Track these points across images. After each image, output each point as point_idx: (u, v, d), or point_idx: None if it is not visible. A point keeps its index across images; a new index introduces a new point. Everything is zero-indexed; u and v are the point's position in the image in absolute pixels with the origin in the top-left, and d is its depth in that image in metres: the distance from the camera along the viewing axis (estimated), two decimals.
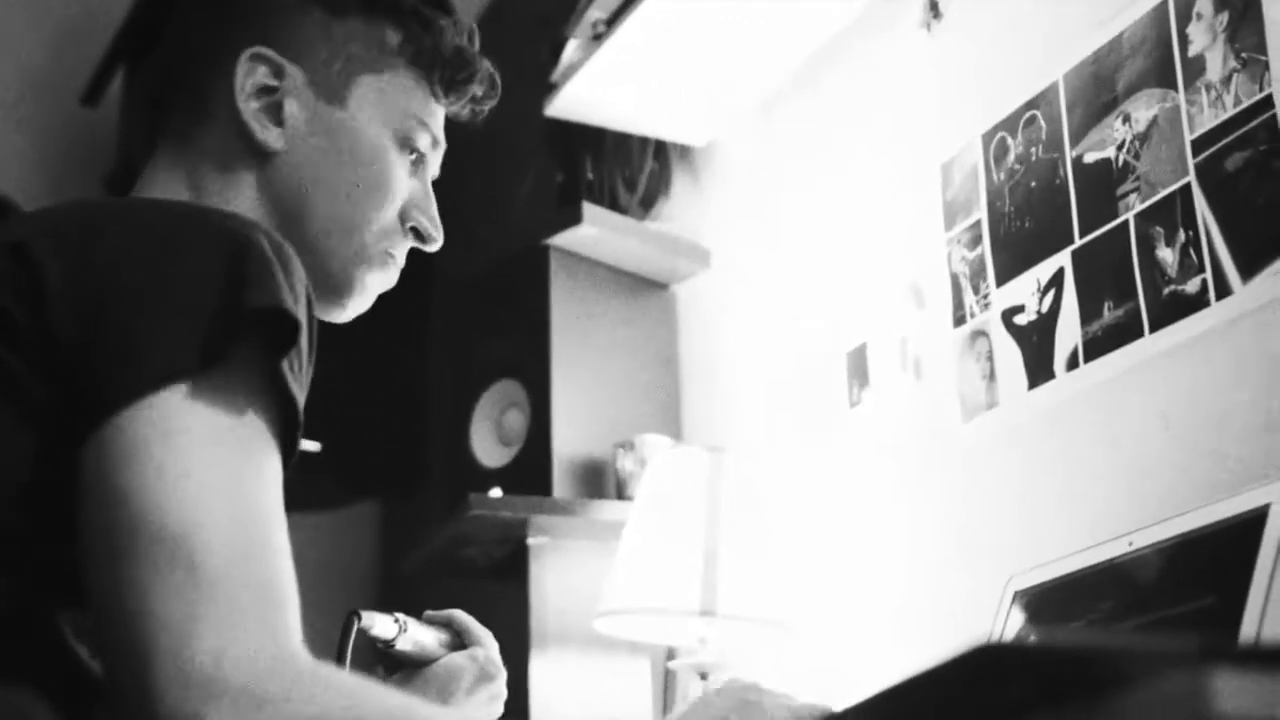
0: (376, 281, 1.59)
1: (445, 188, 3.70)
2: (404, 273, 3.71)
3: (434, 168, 1.66)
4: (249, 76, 1.49)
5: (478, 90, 1.68)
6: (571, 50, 2.94)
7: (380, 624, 1.69)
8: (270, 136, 1.50)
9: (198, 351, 1.16)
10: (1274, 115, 1.92)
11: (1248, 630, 1.54)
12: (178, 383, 1.15)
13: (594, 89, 2.96)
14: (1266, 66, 1.94)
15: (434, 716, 1.42)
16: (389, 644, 1.70)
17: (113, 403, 1.14)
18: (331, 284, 1.54)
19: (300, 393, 1.24)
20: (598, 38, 2.85)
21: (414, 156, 1.61)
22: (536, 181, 3.33)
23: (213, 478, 1.16)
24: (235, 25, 1.53)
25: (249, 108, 1.49)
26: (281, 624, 1.13)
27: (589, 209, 3.05)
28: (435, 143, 1.64)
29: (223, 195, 1.49)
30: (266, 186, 1.51)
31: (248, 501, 1.18)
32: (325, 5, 1.55)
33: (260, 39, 1.50)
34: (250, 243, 1.22)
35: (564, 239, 3.07)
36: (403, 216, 1.59)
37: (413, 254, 3.66)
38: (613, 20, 2.80)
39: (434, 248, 1.65)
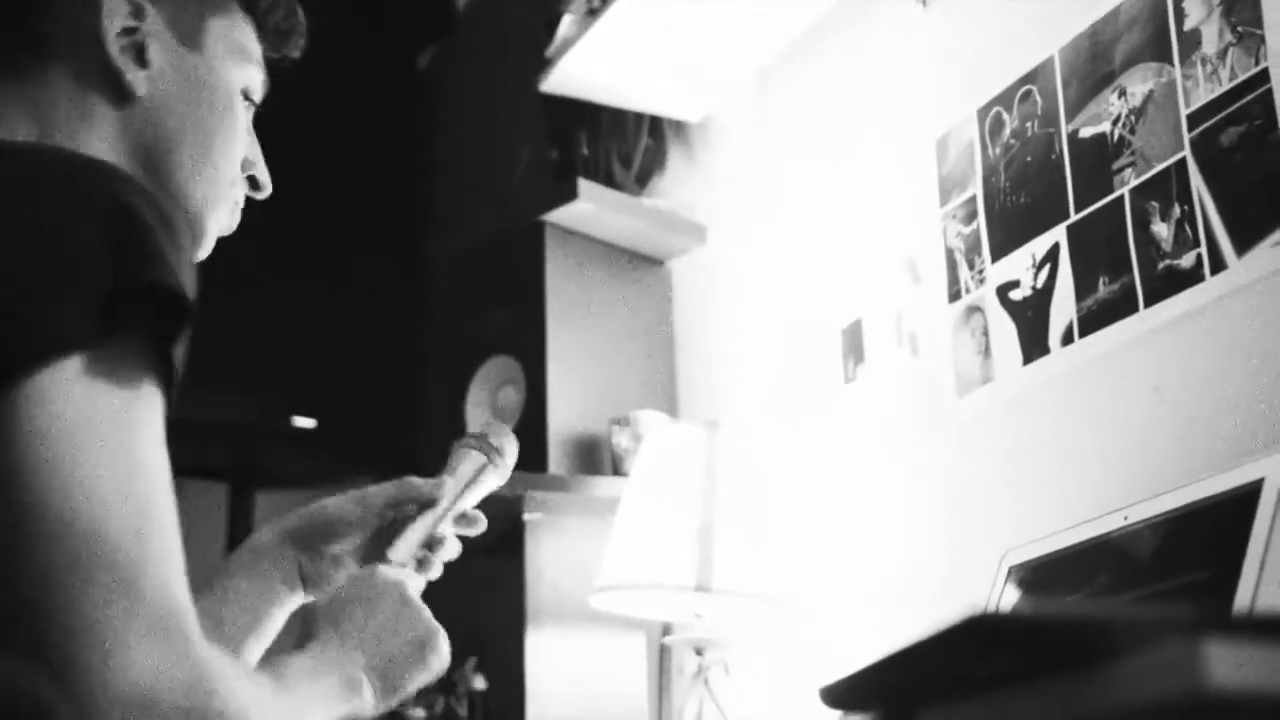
0: (223, 227, 1.57)
1: (442, 165, 3.71)
2: (400, 248, 3.73)
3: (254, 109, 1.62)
4: (114, 13, 1.43)
5: (300, 39, 1.65)
6: (566, 25, 2.94)
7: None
8: (137, 79, 1.45)
9: (87, 328, 1.12)
10: (1269, 90, 1.92)
11: (1242, 602, 1.54)
12: (69, 358, 1.11)
13: (589, 65, 2.97)
14: (1262, 40, 1.94)
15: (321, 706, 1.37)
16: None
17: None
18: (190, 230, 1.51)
19: (182, 363, 1.21)
20: (593, 12, 2.85)
21: (250, 105, 1.59)
22: (532, 158, 3.33)
23: (115, 469, 1.12)
24: None
25: (116, 47, 1.43)
26: (195, 627, 1.10)
27: (584, 185, 3.05)
28: (261, 90, 1.62)
29: (75, 138, 1.43)
30: (126, 131, 1.46)
31: (151, 493, 1.14)
32: None
33: None
34: (133, 211, 1.18)
35: (559, 215, 3.08)
36: (242, 165, 1.58)
37: (409, 229, 3.69)
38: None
39: (264, 196, 1.63)
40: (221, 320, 3.49)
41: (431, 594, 3.24)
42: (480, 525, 1.75)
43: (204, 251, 1.55)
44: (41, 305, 1.13)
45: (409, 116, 3.90)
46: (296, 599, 1.68)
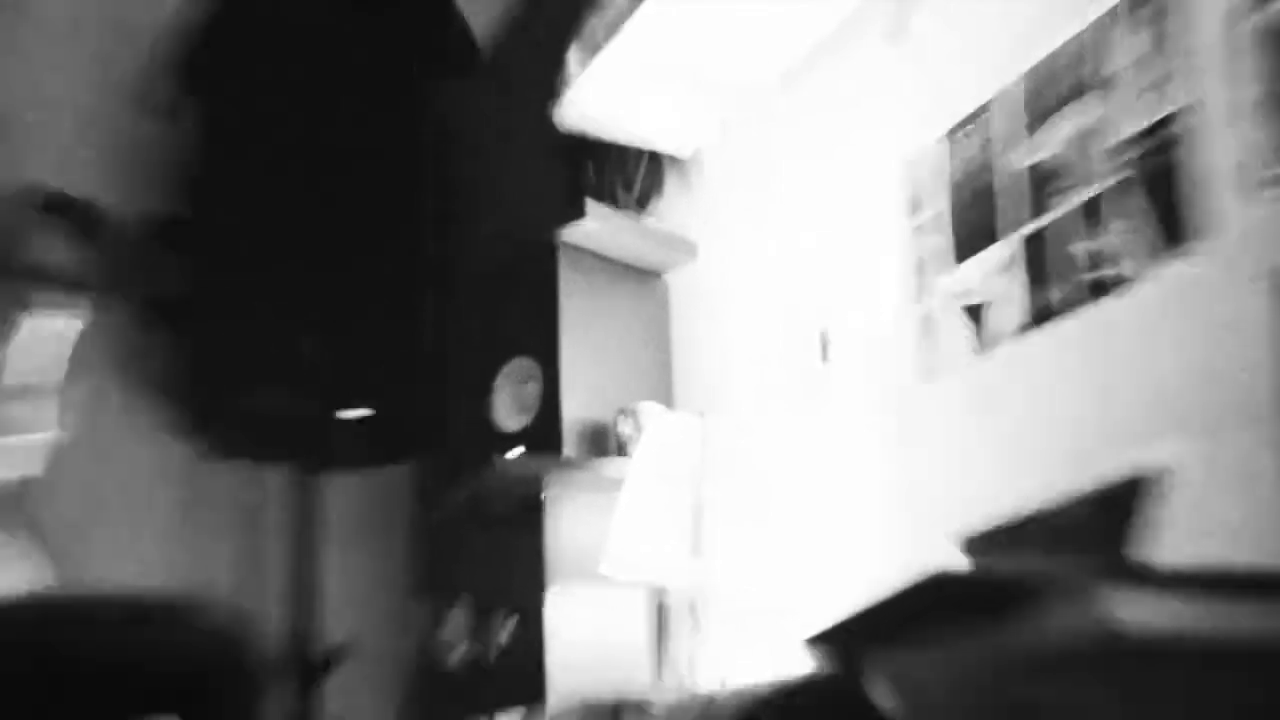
0: None
1: (473, 187, 3.68)
2: (428, 263, 3.70)
3: None
4: None
5: None
6: (575, 64, 2.95)
7: None
8: None
9: None
10: (1181, 127, 1.92)
11: (1141, 559, 1.55)
12: None
13: (593, 100, 2.97)
14: (1177, 83, 1.94)
15: None
16: None
17: None
18: None
19: None
20: (598, 52, 2.86)
21: None
22: (547, 181, 3.35)
23: None
24: None
25: None
26: None
27: (592, 206, 3.06)
28: None
29: None
30: None
31: None
32: None
33: None
34: None
35: (571, 233, 3.08)
36: None
37: (434, 244, 3.63)
38: (609, 37, 2.81)
39: None
40: (294, 331, 3.52)
41: (470, 561, 3.26)
42: None
43: None
44: None
45: (439, 144, 3.90)
46: None
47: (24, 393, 1.62)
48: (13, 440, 1.56)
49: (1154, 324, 1.94)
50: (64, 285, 4.00)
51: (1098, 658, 0.66)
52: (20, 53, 4.11)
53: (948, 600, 0.71)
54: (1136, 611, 0.65)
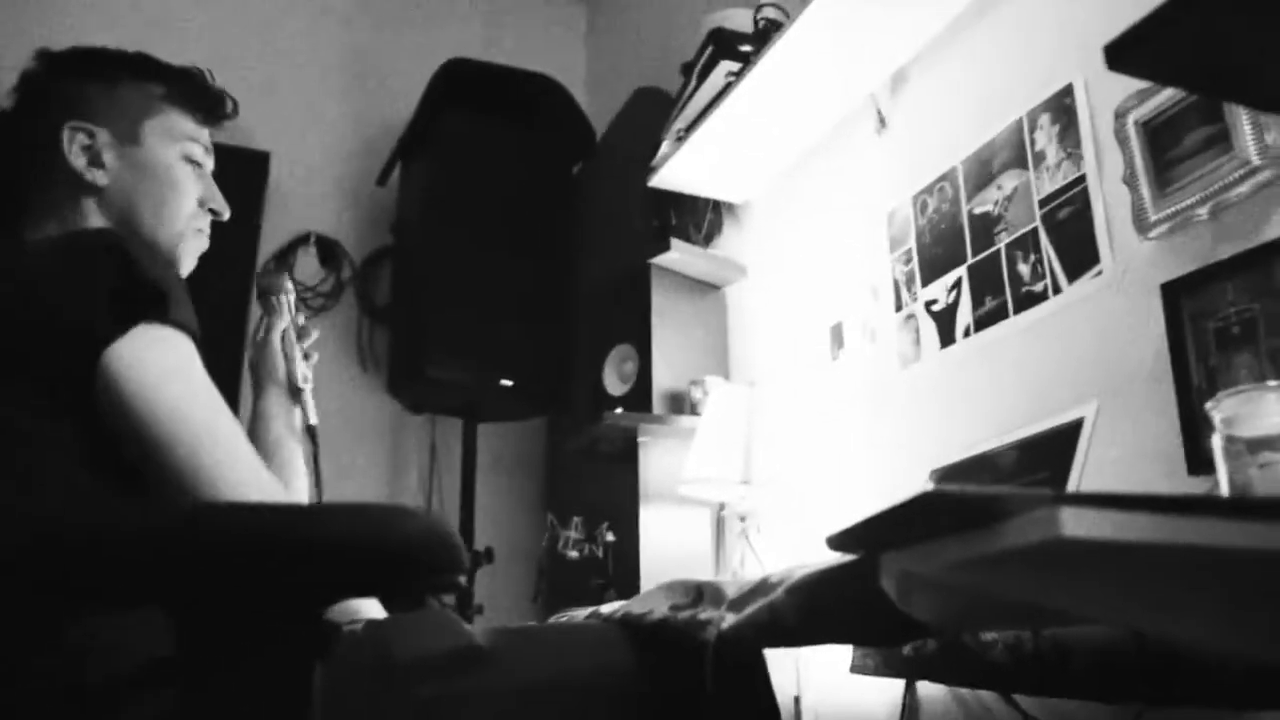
0: (194, 248, 1.48)
1: (590, 228, 3.71)
2: (559, 276, 3.70)
3: (209, 165, 1.52)
4: (72, 141, 1.40)
5: (224, 111, 1.53)
6: (664, 148, 2.96)
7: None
8: (97, 176, 1.40)
9: (130, 312, 1.13)
10: (1085, 187, 1.93)
11: (1071, 489, 1.55)
12: (134, 329, 1.12)
13: (677, 171, 2.98)
14: (1081, 157, 1.94)
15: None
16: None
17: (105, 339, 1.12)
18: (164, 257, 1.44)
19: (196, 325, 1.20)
20: (679, 140, 2.87)
21: (195, 165, 1.48)
22: (644, 224, 3.35)
23: (196, 389, 1.16)
24: (50, 113, 1.42)
25: (79, 163, 1.39)
26: (258, 463, 1.17)
27: (674, 242, 3.06)
28: (207, 150, 1.51)
29: (80, 222, 1.39)
30: (105, 208, 1.40)
31: (219, 402, 1.18)
32: (104, 79, 1.44)
33: (69, 115, 1.41)
34: (125, 247, 1.17)
35: (659, 259, 3.09)
36: (201, 203, 1.48)
37: (564, 266, 3.63)
38: (689, 129, 2.82)
39: (225, 217, 1.51)
40: (464, 320, 3.56)
41: (585, 487, 3.27)
42: (311, 332, 1.71)
43: (185, 269, 1.47)
44: (95, 305, 1.13)
45: (570, 202, 3.94)
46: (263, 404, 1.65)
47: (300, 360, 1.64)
48: (309, 395, 1.59)
49: (1069, 323, 1.94)
50: (316, 295, 4.10)
51: (1051, 560, 0.64)
52: (293, 136, 4.19)
53: (936, 512, 0.68)
54: (1076, 522, 0.62)
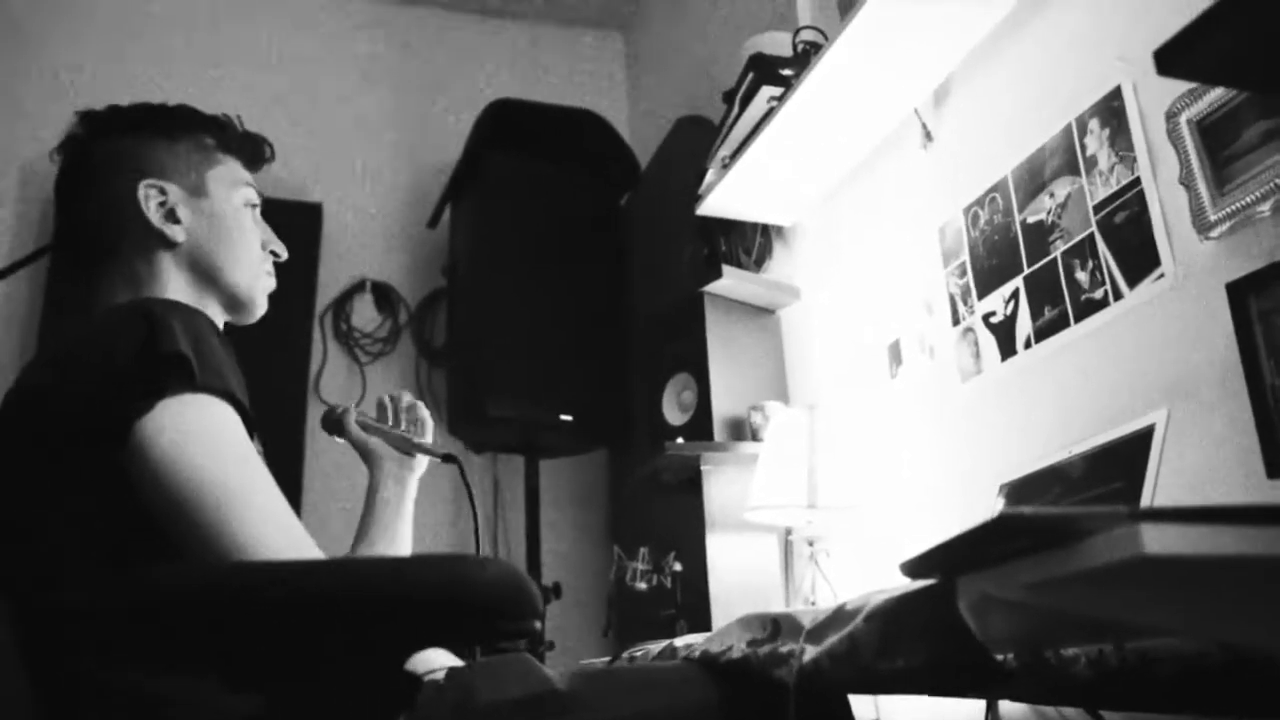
0: (267, 287, 1.53)
1: (639, 258, 3.72)
2: (611, 308, 3.72)
3: (259, 207, 1.57)
4: (148, 200, 1.43)
5: (266, 154, 1.57)
6: (710, 175, 2.97)
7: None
8: (176, 231, 1.43)
9: (164, 381, 1.14)
10: (1141, 190, 1.91)
11: (1145, 502, 1.53)
12: (167, 399, 1.13)
13: (724, 198, 2.99)
14: (1135, 160, 1.92)
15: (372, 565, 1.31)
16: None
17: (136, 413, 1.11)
18: (245, 299, 1.50)
19: (237, 387, 1.20)
20: (725, 167, 2.88)
21: (254, 208, 1.54)
22: (693, 254, 3.36)
23: (238, 452, 1.16)
24: (124, 174, 1.45)
25: (156, 218, 1.43)
26: (295, 523, 1.16)
27: (725, 269, 3.06)
28: (259, 194, 1.56)
29: (154, 282, 1.42)
30: (182, 263, 1.44)
31: (257, 465, 1.18)
32: (164, 135, 1.48)
33: (140, 175, 1.44)
34: (161, 319, 1.18)
35: (712, 286, 3.09)
36: (263, 245, 1.53)
37: (615, 297, 3.65)
38: (733, 157, 2.83)
39: (284, 258, 1.57)
40: (520, 357, 3.59)
41: (650, 517, 3.26)
42: (403, 397, 1.81)
43: (259, 309, 1.53)
44: (120, 386, 1.14)
45: (618, 233, 3.96)
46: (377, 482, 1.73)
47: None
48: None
49: (1133, 329, 1.92)
50: (374, 341, 4.14)
51: (1133, 577, 0.63)
52: (344, 186, 4.27)
53: (1013, 534, 0.67)
54: (1158, 539, 0.61)
